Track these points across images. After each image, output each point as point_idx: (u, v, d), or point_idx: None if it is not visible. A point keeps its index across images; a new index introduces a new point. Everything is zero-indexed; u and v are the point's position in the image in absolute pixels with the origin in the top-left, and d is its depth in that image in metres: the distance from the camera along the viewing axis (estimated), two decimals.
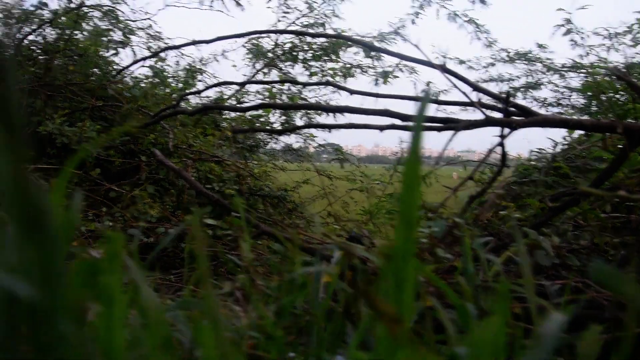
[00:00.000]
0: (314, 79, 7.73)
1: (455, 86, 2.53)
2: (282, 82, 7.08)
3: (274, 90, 7.64)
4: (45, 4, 5.59)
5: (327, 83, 3.00)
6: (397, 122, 2.53)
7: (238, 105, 6.57)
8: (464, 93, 2.51)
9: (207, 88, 5.30)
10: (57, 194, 0.53)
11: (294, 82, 6.02)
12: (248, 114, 6.58)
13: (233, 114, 6.67)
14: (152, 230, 4.31)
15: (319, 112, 6.71)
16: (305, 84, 5.32)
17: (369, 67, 7.92)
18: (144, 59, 5.42)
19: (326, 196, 6.01)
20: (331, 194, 6.01)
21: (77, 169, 4.42)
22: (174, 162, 4.95)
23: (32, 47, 5.63)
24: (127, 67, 4.86)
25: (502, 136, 2.45)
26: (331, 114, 6.85)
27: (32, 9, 5.64)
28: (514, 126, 2.38)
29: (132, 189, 4.61)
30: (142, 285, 0.54)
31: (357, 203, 6.00)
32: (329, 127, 2.80)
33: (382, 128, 2.46)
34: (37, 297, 0.32)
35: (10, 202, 0.29)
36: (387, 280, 0.50)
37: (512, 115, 2.67)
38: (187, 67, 6.41)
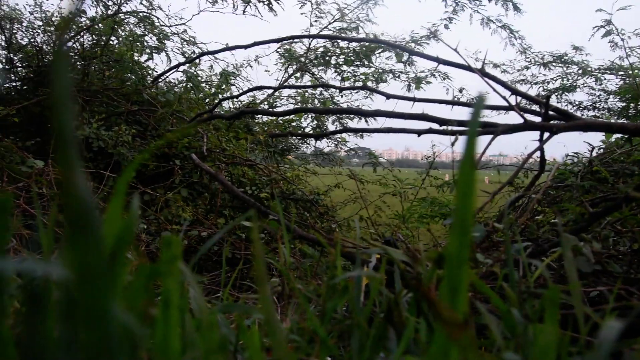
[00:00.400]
0: (346, 83, 7.73)
1: (495, 90, 2.48)
2: (317, 86, 7.08)
3: (307, 94, 7.66)
4: (84, 12, 5.72)
5: (364, 87, 2.97)
6: (435, 126, 2.48)
7: (271, 109, 6.59)
8: (504, 97, 2.46)
9: (245, 92, 5.31)
10: (117, 199, 0.53)
11: (330, 86, 6.00)
12: (280, 118, 6.60)
13: (265, 118, 6.70)
14: (185, 234, 4.34)
15: (351, 116, 6.69)
16: (342, 89, 5.29)
17: (402, 72, 7.89)
18: (182, 64, 5.48)
19: (358, 200, 5.97)
20: (363, 198, 5.96)
21: (112, 172, 4.50)
22: (207, 165, 4.99)
23: (70, 54, 5.75)
24: (165, 72, 4.92)
25: (542, 140, 2.38)
26: (364, 118, 6.86)
27: (71, 16, 5.76)
28: (554, 130, 2.32)
29: (166, 192, 4.66)
30: (194, 289, 0.53)
31: (389, 207, 5.95)
32: (367, 131, 2.76)
33: (419, 132, 2.42)
34: (86, 299, 0.31)
35: (64, 205, 0.29)
36: (439, 285, 0.48)
37: (551, 119, 2.60)
38: (221, 71, 6.47)
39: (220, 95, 6.52)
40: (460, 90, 7.95)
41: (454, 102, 2.91)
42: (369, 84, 7.81)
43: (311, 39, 7.42)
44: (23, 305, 0.44)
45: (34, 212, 3.79)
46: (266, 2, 5.83)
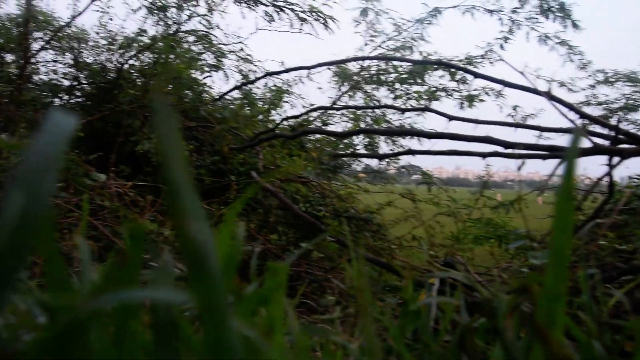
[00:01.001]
0: (399, 101, 7.69)
1: (563, 114, 2.40)
2: (379, 107, 7.06)
3: (358, 112, 7.65)
4: (145, 31, 5.92)
5: (426, 109, 2.94)
6: (500, 149, 2.42)
7: (334, 130, 6.61)
8: (571, 121, 2.37)
9: (309, 112, 5.36)
10: (226, 228, 0.53)
11: (393, 107, 5.98)
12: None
13: (317, 135, 6.71)
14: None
15: (405, 136, 6.63)
16: (404, 110, 5.25)
17: (455, 90, 7.79)
18: (248, 83, 5.58)
19: (410, 219, 5.89)
20: (415, 217, 5.88)
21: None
22: (251, 181, 5.03)
23: (131, 71, 5.96)
24: (230, 91, 5.02)
25: (611, 165, 2.29)
26: (417, 138, 6.78)
27: (132, 35, 5.99)
28: (625, 155, 2.22)
29: (220, 207, 4.71)
30: (290, 313, 0.53)
31: (443, 227, 5.84)
32: (431, 153, 2.72)
33: (484, 155, 2.36)
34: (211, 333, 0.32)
35: (182, 248, 0.30)
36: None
37: (620, 142, 2.49)
38: (275, 88, 6.53)
39: (272, 112, 6.59)
40: (514, 108, 7.79)
41: (519, 125, 2.83)
42: (422, 102, 7.76)
43: (365, 58, 7.43)
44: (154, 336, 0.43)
45: (97, 223, 3.89)
46: (322, 21, 5.89)
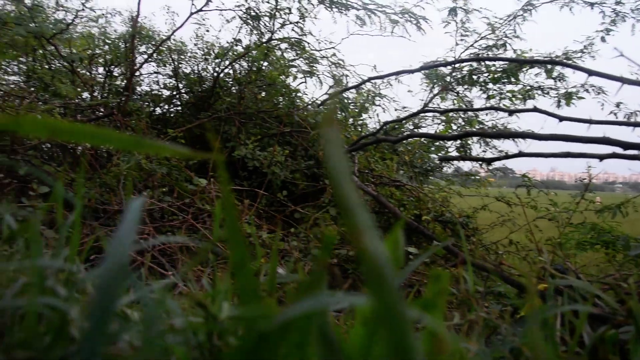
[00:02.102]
0: (492, 101, 7.45)
1: None
2: (487, 109, 6.86)
3: (450, 114, 7.47)
4: (239, 40, 6.09)
5: (535, 109, 2.79)
6: (619, 150, 2.24)
7: (439, 133, 6.49)
8: None
9: (409, 117, 5.27)
10: (392, 238, 0.54)
11: (500, 109, 5.77)
12: (423, 139, 6.49)
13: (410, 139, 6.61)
14: (333, 252, 4.39)
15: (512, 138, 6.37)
16: (511, 111, 5.04)
17: (551, 88, 7.44)
18: (348, 89, 5.59)
19: (506, 223, 5.66)
20: (511, 221, 5.65)
21: (265, 190, 4.67)
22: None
23: (226, 79, 6.16)
24: (336, 94, 5.03)
25: None
26: (512, 140, 6.51)
27: (227, 45, 6.19)
28: None
29: (315, 210, 4.74)
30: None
31: (541, 231, 5.55)
32: (544, 155, 2.57)
33: (601, 157, 2.20)
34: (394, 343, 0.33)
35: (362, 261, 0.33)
36: None
37: None
38: (367, 92, 6.52)
39: (364, 115, 6.57)
40: (618, 105, 7.31)
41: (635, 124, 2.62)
42: (516, 101, 7.48)
43: (457, 58, 7.26)
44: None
45: (198, 226, 4.02)
46: (414, 22, 5.80)
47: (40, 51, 5.43)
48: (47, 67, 5.56)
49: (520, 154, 2.86)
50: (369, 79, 5.16)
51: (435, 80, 7.22)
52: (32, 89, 5.26)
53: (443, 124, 7.55)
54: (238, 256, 0.44)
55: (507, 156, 3.34)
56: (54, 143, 4.86)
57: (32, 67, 5.21)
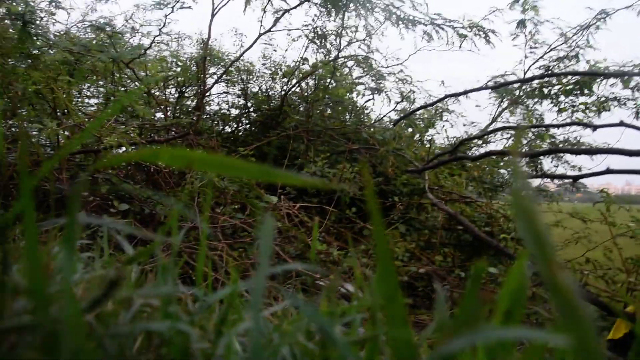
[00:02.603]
0: (563, 114, 7.20)
1: None
2: (570, 125, 6.64)
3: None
4: (306, 59, 6.18)
5: (622, 124, 2.68)
6: None
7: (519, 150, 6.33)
8: None
9: (488, 133, 5.16)
10: (518, 262, 0.50)
11: (583, 124, 5.56)
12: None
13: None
14: (401, 269, 4.34)
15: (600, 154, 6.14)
16: (596, 127, 4.85)
17: (628, 99, 7.12)
18: (425, 107, 5.56)
19: (581, 240, 5.42)
20: (587, 239, 5.40)
21: (334, 207, 4.68)
22: (425, 202, 4.94)
23: (293, 98, 6.25)
24: (410, 114, 5.02)
25: None
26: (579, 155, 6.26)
27: (294, 64, 6.29)
28: None
29: (384, 227, 4.70)
30: None
31: (622, 249, 5.28)
32: (636, 172, 2.45)
33: None
34: None
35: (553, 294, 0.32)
36: None
37: None
38: (431, 108, 6.44)
39: (431, 130, 6.50)
40: None
41: None
42: (590, 114, 7.20)
43: (526, 71, 7.09)
44: None
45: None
46: (483, 36, 5.70)
47: (117, 75, 5.70)
48: (123, 89, 5.82)
49: (609, 171, 2.74)
50: (447, 97, 5.08)
51: (503, 94, 7.05)
52: (109, 110, 5.51)
53: (512, 139, 7.36)
54: (389, 289, 0.43)
55: (594, 173, 3.21)
56: (130, 162, 5.06)
57: (111, 90, 5.47)
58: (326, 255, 4.10)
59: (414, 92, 6.03)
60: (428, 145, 5.87)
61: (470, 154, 6.55)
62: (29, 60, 4.77)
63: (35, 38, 4.56)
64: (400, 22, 5.61)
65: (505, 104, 7.16)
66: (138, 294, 0.65)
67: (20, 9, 4.68)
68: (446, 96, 5.07)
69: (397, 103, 5.93)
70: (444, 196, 4.90)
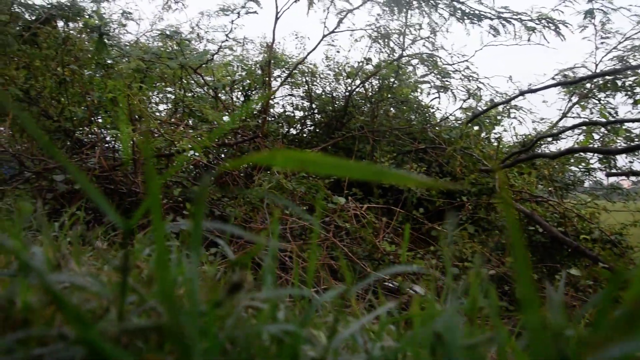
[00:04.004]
0: (639, 108, 6.84)
1: None
2: None
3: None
4: (369, 59, 6.17)
5: None
6: None
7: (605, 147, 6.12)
8: None
9: (568, 129, 4.98)
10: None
11: None
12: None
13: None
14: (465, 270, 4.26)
15: None
16: None
17: None
18: (498, 104, 5.44)
19: None
20: None
21: (401, 208, 4.64)
22: (495, 202, 4.83)
23: (357, 98, 6.25)
24: (483, 112, 4.91)
25: None
26: None
27: (358, 64, 6.29)
28: None
29: (453, 228, 4.63)
30: None
31: None
32: None
33: None
34: None
35: None
36: None
37: None
38: (502, 104, 6.27)
39: (497, 128, 6.33)
40: None
41: None
42: None
43: (597, 63, 6.79)
44: None
45: (340, 244, 4.08)
46: (553, 28, 5.50)
47: (185, 81, 5.87)
48: (190, 94, 5.99)
49: None
50: (522, 93, 4.93)
51: (574, 89, 6.78)
52: (178, 115, 5.70)
53: (583, 134, 7.07)
54: (527, 294, 0.43)
55: None
56: (198, 165, 5.20)
57: (181, 95, 5.64)
58: (395, 256, 4.08)
59: (480, 89, 5.90)
60: (496, 144, 5.72)
61: (540, 151, 6.35)
62: (104, 70, 4.98)
63: (110, 48, 4.76)
64: (465, 18, 5.49)
65: (575, 99, 6.88)
66: (247, 296, 0.67)
67: (96, 22, 4.90)
68: (522, 92, 4.92)
69: (464, 101, 5.81)
70: (514, 196, 4.78)
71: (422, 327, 0.73)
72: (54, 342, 0.52)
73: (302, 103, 6.71)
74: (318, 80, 6.60)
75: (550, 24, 5.52)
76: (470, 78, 5.79)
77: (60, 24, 5.42)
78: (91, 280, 0.63)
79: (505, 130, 6.12)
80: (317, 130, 6.57)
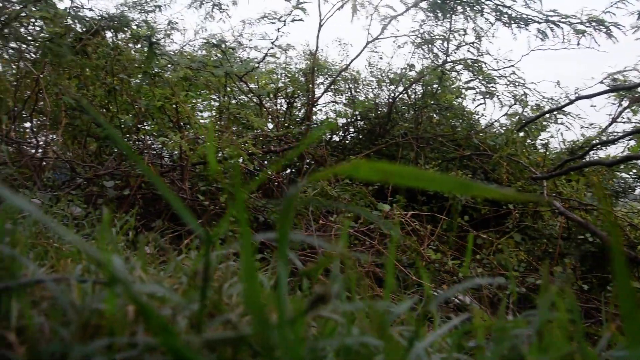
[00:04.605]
0: None
1: None
2: None
3: None
4: (413, 65, 6.13)
5: None
6: None
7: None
8: None
9: (624, 136, 4.84)
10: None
11: None
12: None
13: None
14: (521, 280, 4.18)
15: None
16: None
17: None
18: (550, 111, 5.35)
19: None
20: None
21: (446, 215, 4.60)
22: (542, 210, 4.74)
23: (399, 105, 6.23)
24: (535, 119, 4.82)
25: None
26: None
27: (401, 70, 6.27)
28: None
29: (498, 236, 4.57)
30: None
31: None
32: None
33: None
34: None
35: None
36: None
37: None
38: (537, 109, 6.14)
39: (544, 133, 6.20)
40: None
41: None
42: None
43: None
44: None
45: (385, 251, 4.07)
46: (604, 30, 5.34)
47: (229, 88, 5.96)
48: (234, 102, 6.08)
49: None
50: (576, 99, 4.81)
51: (624, 93, 6.57)
52: (223, 122, 5.79)
53: (634, 140, 6.85)
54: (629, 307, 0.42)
55: None
56: (245, 171, 5.27)
57: (225, 103, 5.73)
58: (440, 264, 4.05)
59: (526, 94, 5.79)
60: (543, 150, 5.61)
61: (588, 158, 6.17)
62: (151, 79, 5.11)
63: (160, 57, 4.88)
64: (512, 22, 5.40)
65: (625, 103, 6.67)
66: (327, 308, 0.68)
67: (146, 32, 5.04)
68: (576, 99, 4.80)
69: (510, 107, 5.71)
70: (562, 204, 4.68)
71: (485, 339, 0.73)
72: (136, 350, 0.54)
73: (345, 110, 6.73)
74: (361, 87, 6.62)
75: (601, 27, 5.36)
76: (517, 83, 5.69)
77: (109, 34, 5.59)
78: (168, 289, 0.66)
79: (552, 137, 5.99)
80: (360, 136, 6.58)
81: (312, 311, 0.54)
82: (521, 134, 5.90)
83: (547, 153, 5.56)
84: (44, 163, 4.91)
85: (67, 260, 0.96)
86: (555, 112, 5.86)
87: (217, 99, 6.12)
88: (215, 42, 5.76)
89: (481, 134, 5.46)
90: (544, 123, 6.42)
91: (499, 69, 5.74)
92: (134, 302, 0.47)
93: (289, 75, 6.53)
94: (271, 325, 0.45)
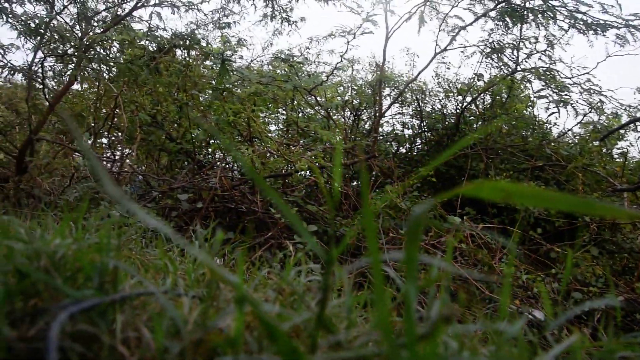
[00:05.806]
0: None
1: None
2: None
3: None
4: (481, 75, 6.05)
5: None
6: None
7: None
8: None
9: None
10: None
11: None
12: None
13: None
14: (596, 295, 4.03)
15: None
16: None
17: None
18: (636, 120, 5.15)
19: None
20: None
21: (518, 228, 4.49)
22: (622, 223, 4.56)
23: (466, 115, 6.15)
24: (619, 129, 4.67)
25: None
26: None
27: (469, 80, 6.18)
28: None
29: (574, 249, 4.42)
30: None
31: None
32: None
33: None
34: None
35: None
36: None
37: None
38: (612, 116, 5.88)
39: (620, 142, 5.94)
40: None
41: None
42: None
43: None
44: None
45: (455, 265, 4.04)
46: None
47: (296, 102, 6.07)
48: (300, 115, 6.19)
49: None
50: None
51: None
52: (290, 136, 5.90)
53: None
54: None
55: None
56: (310, 184, 5.34)
57: (294, 117, 5.85)
58: (513, 279, 3.97)
59: (603, 102, 5.56)
60: (621, 160, 5.37)
61: None
62: (221, 94, 5.28)
63: (231, 73, 5.05)
64: (588, 29, 5.20)
65: None
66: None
67: (220, 48, 5.23)
68: None
69: (585, 115, 5.51)
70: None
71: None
72: None
73: (412, 121, 6.71)
74: (428, 98, 6.58)
75: None
76: (592, 91, 5.47)
77: (179, 52, 5.82)
78: (285, 309, 0.71)
79: (630, 145, 5.71)
80: (427, 148, 6.53)
81: (437, 332, 0.55)
82: (596, 143, 5.67)
83: (626, 163, 5.32)
84: (121, 177, 5.16)
85: (155, 272, 1.00)
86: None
87: (284, 113, 6.24)
88: (284, 57, 5.89)
89: (553, 144, 5.30)
90: (621, 131, 6.15)
91: (572, 77, 5.55)
92: (261, 322, 0.49)
93: (356, 87, 6.58)
94: (400, 346, 0.47)
